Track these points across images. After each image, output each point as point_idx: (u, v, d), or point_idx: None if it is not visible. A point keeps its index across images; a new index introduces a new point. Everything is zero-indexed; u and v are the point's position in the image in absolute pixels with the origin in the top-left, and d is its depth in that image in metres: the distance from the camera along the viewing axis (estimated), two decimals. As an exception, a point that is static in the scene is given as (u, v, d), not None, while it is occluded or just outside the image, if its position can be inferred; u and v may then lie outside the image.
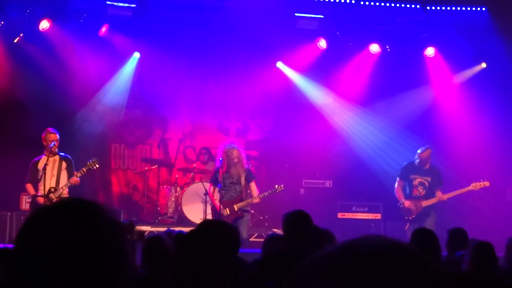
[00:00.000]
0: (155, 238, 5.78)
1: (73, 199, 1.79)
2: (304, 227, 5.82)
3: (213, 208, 11.45)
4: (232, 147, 11.32)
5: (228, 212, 11.01)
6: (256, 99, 14.80)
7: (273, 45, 14.29)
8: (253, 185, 11.34)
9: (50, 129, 11.01)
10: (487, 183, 11.77)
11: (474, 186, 11.75)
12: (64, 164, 10.90)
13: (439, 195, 11.79)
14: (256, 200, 11.39)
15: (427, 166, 11.95)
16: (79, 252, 1.63)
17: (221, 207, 11.04)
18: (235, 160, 11.12)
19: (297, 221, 5.88)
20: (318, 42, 14.66)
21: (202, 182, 12.89)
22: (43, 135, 10.94)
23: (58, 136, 10.95)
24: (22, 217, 12.21)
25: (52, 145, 10.78)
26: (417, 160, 11.96)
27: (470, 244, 6.10)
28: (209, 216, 11.74)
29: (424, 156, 11.92)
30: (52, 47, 13.77)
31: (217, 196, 11.25)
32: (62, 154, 11.00)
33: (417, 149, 12.20)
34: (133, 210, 14.55)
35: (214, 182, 11.41)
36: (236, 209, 11.08)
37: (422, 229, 6.61)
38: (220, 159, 11.32)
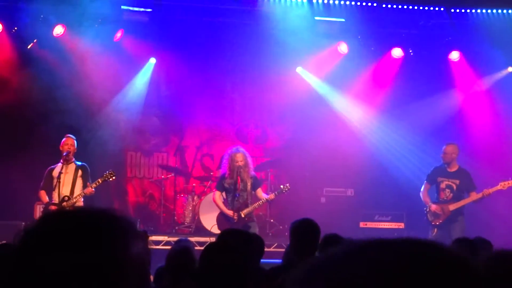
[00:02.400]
0: (182, 249, 5.75)
1: (86, 209, 1.70)
2: (312, 237, 5.97)
3: (219, 216, 11.30)
4: (237, 151, 11.15)
5: (236, 219, 10.88)
6: (275, 105, 14.92)
7: (292, 49, 14.18)
8: (259, 192, 11.17)
9: (67, 135, 11.02)
10: None
11: (503, 185, 11.35)
12: (79, 172, 10.82)
13: (473, 195, 11.42)
14: (261, 203, 11.20)
15: (455, 169, 11.63)
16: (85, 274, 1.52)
17: (233, 214, 10.93)
18: (240, 163, 10.92)
19: (305, 230, 6.06)
20: (339, 46, 14.59)
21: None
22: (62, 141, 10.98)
23: (74, 142, 10.92)
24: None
25: (66, 153, 10.73)
26: (442, 155, 11.66)
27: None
28: (215, 227, 11.54)
29: (448, 150, 11.60)
30: (67, 53, 13.76)
31: (222, 203, 11.19)
32: (79, 162, 10.94)
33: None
34: (149, 220, 14.49)
35: (220, 188, 11.26)
36: (243, 215, 10.93)
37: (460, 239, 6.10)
38: (225, 164, 11.24)
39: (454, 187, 11.51)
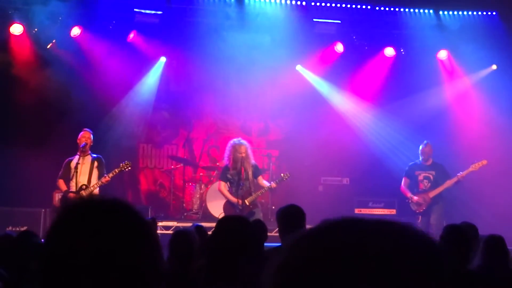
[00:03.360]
0: (182, 232, 5.77)
1: (101, 199, 1.75)
2: (298, 222, 5.90)
3: (226, 205, 11.47)
4: (239, 142, 11.30)
5: (241, 207, 11.10)
6: (277, 100, 14.92)
7: (293, 49, 14.39)
8: (260, 179, 11.39)
9: (84, 128, 11.32)
10: (485, 162, 11.95)
11: (474, 166, 11.91)
12: (95, 163, 11.11)
13: (448, 181, 12.01)
14: (264, 191, 11.42)
15: (430, 162, 12.26)
16: (108, 255, 1.57)
17: (238, 201, 11.16)
18: (243, 155, 11.12)
19: (291, 215, 5.98)
20: (336, 46, 14.86)
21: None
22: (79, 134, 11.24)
23: (90, 135, 11.22)
24: (54, 214, 12.38)
25: (83, 145, 11.07)
26: (421, 156, 12.31)
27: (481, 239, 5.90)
28: (223, 214, 11.18)
29: (427, 150, 12.26)
30: (83, 52, 14.12)
31: (227, 191, 11.37)
32: (94, 155, 11.24)
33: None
34: (160, 207, 14.72)
35: (224, 179, 11.40)
36: (247, 203, 11.15)
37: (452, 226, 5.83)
38: (228, 155, 11.39)
39: (431, 177, 12.16)
